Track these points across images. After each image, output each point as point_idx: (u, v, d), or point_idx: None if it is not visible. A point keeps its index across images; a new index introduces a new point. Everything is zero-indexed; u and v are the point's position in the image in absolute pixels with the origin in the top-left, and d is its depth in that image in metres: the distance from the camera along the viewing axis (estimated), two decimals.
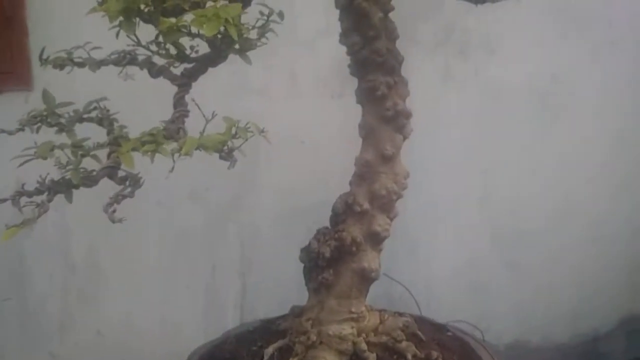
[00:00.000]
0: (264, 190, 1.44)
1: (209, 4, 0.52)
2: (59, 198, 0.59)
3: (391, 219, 0.84)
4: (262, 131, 0.59)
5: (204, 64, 0.63)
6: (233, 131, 0.58)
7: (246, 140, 0.57)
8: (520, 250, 1.66)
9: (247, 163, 1.33)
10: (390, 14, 0.77)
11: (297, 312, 0.86)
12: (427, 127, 1.53)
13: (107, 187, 0.62)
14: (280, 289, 1.40)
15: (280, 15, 0.59)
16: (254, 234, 1.47)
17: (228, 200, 1.43)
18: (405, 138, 0.82)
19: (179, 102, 0.67)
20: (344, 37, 0.76)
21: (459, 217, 1.60)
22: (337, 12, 1.04)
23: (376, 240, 0.82)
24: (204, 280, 1.46)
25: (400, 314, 0.90)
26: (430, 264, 1.61)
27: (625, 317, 1.80)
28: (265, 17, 0.58)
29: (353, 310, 0.82)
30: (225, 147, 0.56)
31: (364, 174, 0.82)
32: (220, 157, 0.58)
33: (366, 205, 0.81)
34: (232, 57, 0.63)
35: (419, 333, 0.87)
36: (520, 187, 1.62)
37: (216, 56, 0.60)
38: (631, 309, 1.80)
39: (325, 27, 1.37)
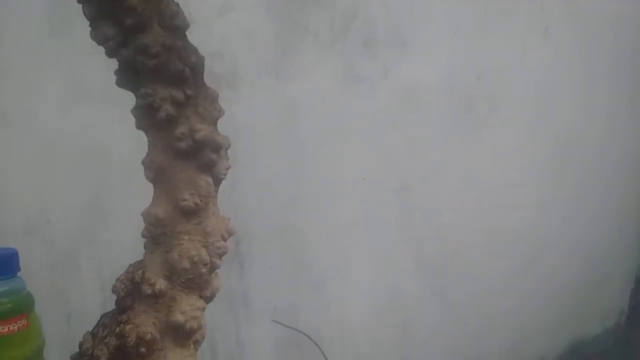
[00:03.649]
0: (123, 215, 1.15)
1: None
2: None
3: (208, 299, 0.57)
4: None
5: None
6: None
7: None
8: (450, 279, 1.41)
9: (98, 178, 1.05)
10: None
11: None
12: (328, 138, 1.28)
13: None
14: None
15: None
16: (117, 270, 1.18)
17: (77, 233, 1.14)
18: (217, 180, 0.54)
19: None
20: (93, 30, 0.48)
21: (375, 245, 1.35)
22: None
23: (180, 333, 0.54)
24: (58, 333, 1.17)
25: None
26: (342, 302, 1.35)
27: (572, 346, 1.59)
28: None
29: None
30: None
31: (157, 237, 0.54)
32: None
33: (160, 284, 0.53)
34: None
35: None
36: (446, 205, 1.37)
37: None
38: (577, 337, 1.58)
39: None
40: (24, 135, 1.08)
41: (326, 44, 1.22)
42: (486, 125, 1.35)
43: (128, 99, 0.53)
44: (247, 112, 1.22)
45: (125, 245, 1.15)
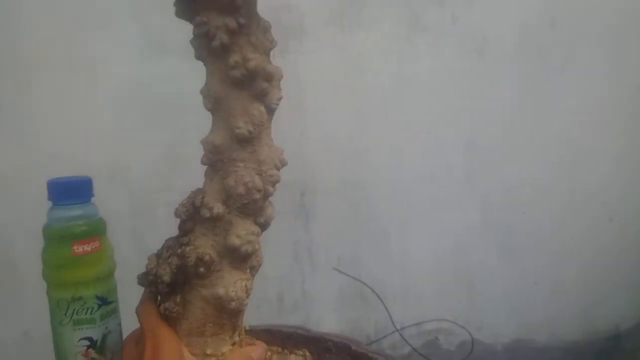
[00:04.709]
0: (196, 164, 1.21)
1: None
2: None
3: (263, 225, 0.59)
4: None
5: None
6: None
7: None
8: (518, 235, 1.38)
9: (174, 127, 1.09)
10: None
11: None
12: (392, 90, 1.27)
13: None
14: None
15: None
16: None
17: (155, 180, 1.20)
18: (270, 109, 0.56)
19: None
20: None
21: (440, 199, 1.34)
22: None
23: (237, 257, 0.57)
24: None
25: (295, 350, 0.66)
26: (406, 254, 1.36)
27: None
28: None
29: (209, 352, 0.58)
30: None
31: (215, 163, 0.57)
32: None
33: (218, 208, 0.56)
34: None
35: None
36: (515, 159, 1.34)
37: None
38: None
39: None
40: (104, 84, 1.14)
41: None
42: (561, 76, 1.29)
43: None
44: (313, 64, 1.23)
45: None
